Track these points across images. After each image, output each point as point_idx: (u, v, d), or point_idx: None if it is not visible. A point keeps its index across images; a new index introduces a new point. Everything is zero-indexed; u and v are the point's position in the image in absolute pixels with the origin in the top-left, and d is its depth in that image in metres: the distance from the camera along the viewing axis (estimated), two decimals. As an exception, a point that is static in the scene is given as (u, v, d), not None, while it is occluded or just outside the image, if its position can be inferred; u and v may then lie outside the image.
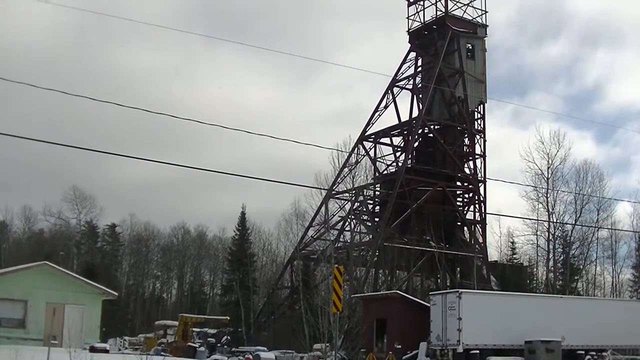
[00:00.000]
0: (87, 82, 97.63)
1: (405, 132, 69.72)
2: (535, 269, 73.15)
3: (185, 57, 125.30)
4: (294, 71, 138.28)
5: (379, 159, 69.72)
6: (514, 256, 73.37)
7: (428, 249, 62.19)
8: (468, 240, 67.53)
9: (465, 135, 69.38)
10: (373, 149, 69.75)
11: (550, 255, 67.69)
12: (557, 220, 66.58)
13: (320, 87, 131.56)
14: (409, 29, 72.11)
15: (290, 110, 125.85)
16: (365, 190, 67.12)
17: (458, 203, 68.61)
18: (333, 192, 65.37)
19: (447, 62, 68.67)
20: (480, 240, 67.39)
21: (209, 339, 53.59)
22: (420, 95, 71.05)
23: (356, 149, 67.45)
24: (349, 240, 64.34)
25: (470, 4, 70.75)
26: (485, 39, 70.92)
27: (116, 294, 44.46)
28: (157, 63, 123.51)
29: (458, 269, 67.06)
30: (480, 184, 67.64)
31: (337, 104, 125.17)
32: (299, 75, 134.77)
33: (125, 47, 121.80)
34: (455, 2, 70.58)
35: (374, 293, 52.74)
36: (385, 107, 70.48)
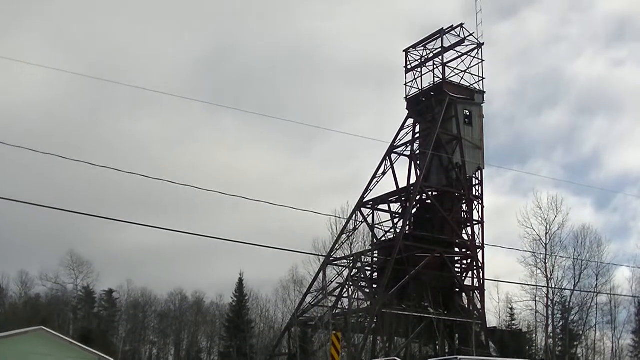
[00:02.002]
0: (86, 148, 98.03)
1: (403, 199, 69.83)
2: (534, 335, 72.68)
3: (185, 123, 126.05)
4: (294, 138, 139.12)
5: (377, 226, 69.75)
6: (513, 322, 72.99)
7: (426, 315, 61.89)
8: (466, 306, 67.16)
9: (464, 202, 69.50)
10: (371, 215, 69.86)
11: (549, 321, 67.33)
12: (555, 285, 66.49)
13: (319, 154, 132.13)
14: (406, 96, 72.76)
15: (289, 177, 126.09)
16: (363, 256, 66.94)
17: (456, 269, 68.42)
18: (331, 258, 65.27)
19: (444, 129, 69.09)
20: (479, 306, 67.04)
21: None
22: (418, 162, 71.31)
23: (354, 215, 67.61)
24: (347, 307, 64.01)
25: (467, 71, 71.62)
26: (482, 105, 71.52)
27: (112, 360, 44.09)
28: (157, 129, 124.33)
29: (456, 335, 66.58)
30: (478, 250, 67.49)
31: (336, 171, 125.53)
32: (298, 142, 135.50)
33: (125, 113, 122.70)
34: (452, 69, 71.47)
35: (372, 360, 52.37)
36: (384, 173, 70.76)
